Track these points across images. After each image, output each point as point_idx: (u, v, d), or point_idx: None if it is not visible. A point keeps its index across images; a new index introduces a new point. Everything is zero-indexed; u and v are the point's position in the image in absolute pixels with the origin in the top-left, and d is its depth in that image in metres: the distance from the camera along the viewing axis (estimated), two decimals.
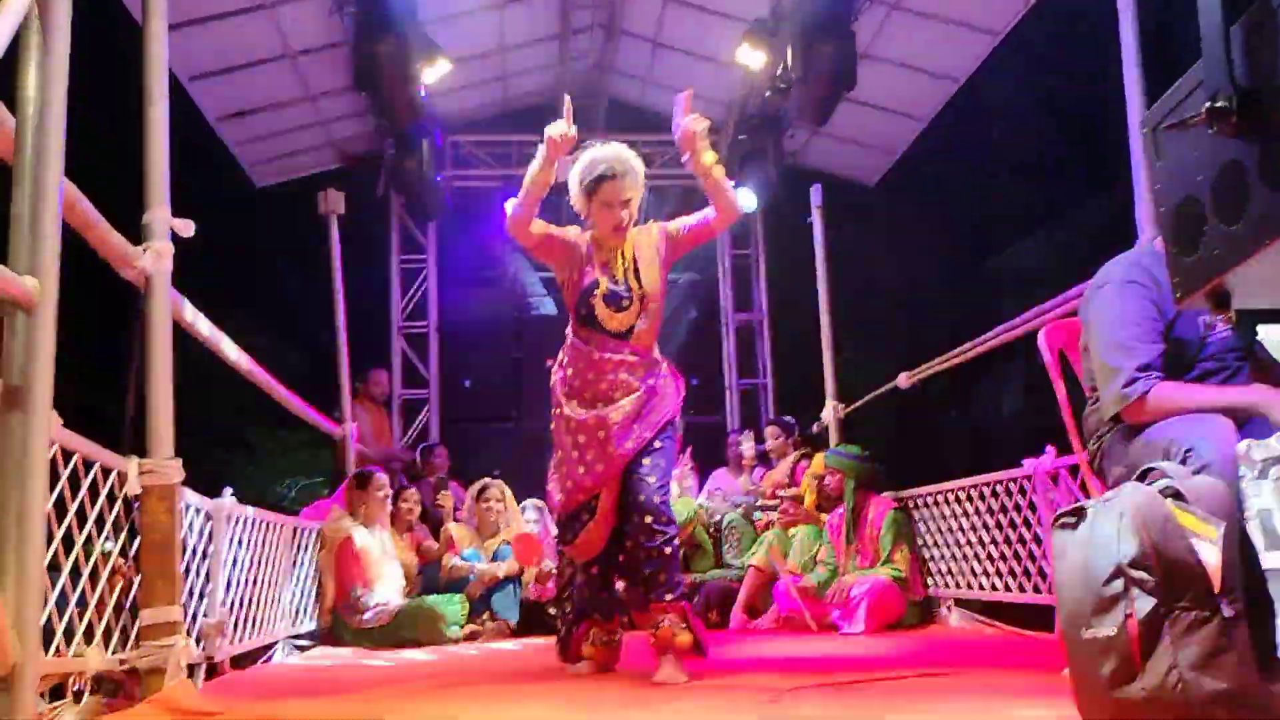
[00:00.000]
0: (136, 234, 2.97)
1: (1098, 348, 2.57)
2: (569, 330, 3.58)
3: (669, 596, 3.36)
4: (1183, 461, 2.27)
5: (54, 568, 2.52)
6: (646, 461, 3.42)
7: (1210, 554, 1.86)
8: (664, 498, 3.41)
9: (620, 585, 3.62)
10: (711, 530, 6.52)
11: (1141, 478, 2.11)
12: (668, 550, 3.40)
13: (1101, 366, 2.54)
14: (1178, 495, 1.95)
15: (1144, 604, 1.86)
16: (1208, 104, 1.31)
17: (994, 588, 4.91)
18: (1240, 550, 1.89)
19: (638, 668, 3.49)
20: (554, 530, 6.36)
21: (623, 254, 3.53)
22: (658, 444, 3.45)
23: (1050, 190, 6.32)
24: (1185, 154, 1.42)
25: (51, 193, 1.37)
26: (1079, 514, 2.07)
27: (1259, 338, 2.58)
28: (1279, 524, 2.07)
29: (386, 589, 5.54)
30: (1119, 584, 1.90)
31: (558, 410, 3.54)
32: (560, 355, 3.60)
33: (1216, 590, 1.83)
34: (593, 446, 3.42)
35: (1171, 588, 1.84)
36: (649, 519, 3.36)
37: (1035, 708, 2.36)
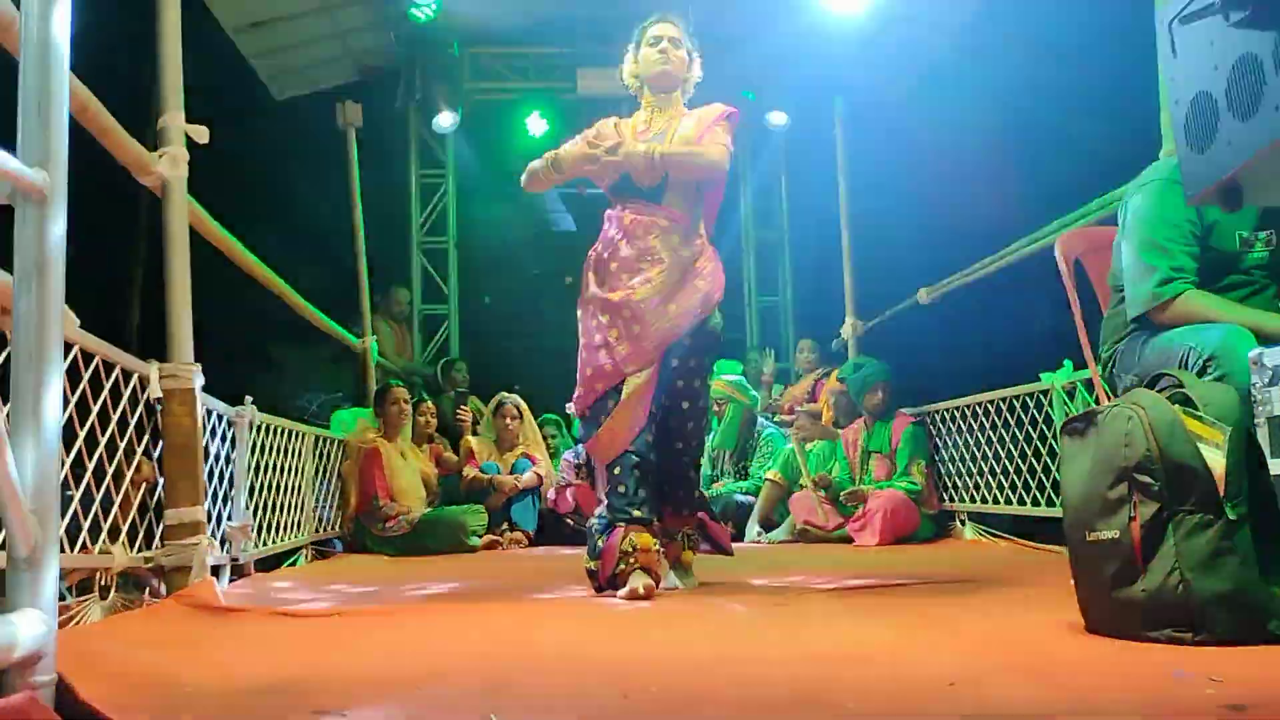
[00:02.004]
0: (152, 146, 2.98)
1: (1133, 244, 2.53)
2: (605, 212, 3.42)
3: (685, 511, 3.41)
4: (1201, 370, 2.27)
5: (79, 468, 2.59)
6: (689, 361, 3.24)
7: (1216, 458, 1.87)
8: (702, 413, 3.35)
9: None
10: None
11: (1152, 384, 2.11)
12: (692, 474, 3.42)
13: (1135, 263, 2.50)
14: (1186, 400, 1.96)
15: (1148, 507, 1.88)
16: None
17: (1008, 502, 4.94)
18: (1247, 455, 1.90)
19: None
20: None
21: (666, 116, 3.35)
22: (694, 341, 3.22)
23: (1079, 104, 6.18)
24: (1200, 48, 1.40)
25: (59, 83, 1.37)
26: (1088, 420, 2.08)
27: None
28: None
29: (408, 499, 5.64)
30: (1123, 487, 1.92)
31: (583, 294, 3.32)
32: (597, 241, 3.39)
33: (1221, 494, 1.85)
34: (616, 326, 3.18)
35: (1176, 491, 1.86)
36: (693, 442, 3.36)
37: (1037, 611, 2.39)
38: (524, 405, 6.44)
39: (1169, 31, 1.46)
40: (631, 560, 3.02)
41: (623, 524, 3.09)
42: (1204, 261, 2.46)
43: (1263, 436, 2.11)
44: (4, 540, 1.39)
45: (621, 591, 2.98)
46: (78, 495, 2.57)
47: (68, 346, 2.36)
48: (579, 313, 3.34)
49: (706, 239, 3.36)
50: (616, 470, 3.16)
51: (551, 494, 6.12)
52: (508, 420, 6.33)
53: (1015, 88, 6.79)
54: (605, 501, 3.17)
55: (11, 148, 1.34)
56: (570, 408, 4.33)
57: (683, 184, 3.27)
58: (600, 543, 3.12)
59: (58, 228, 1.36)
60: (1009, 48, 6.74)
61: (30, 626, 1.28)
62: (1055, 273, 2.94)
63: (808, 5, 7.30)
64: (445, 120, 8.20)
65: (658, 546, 3.14)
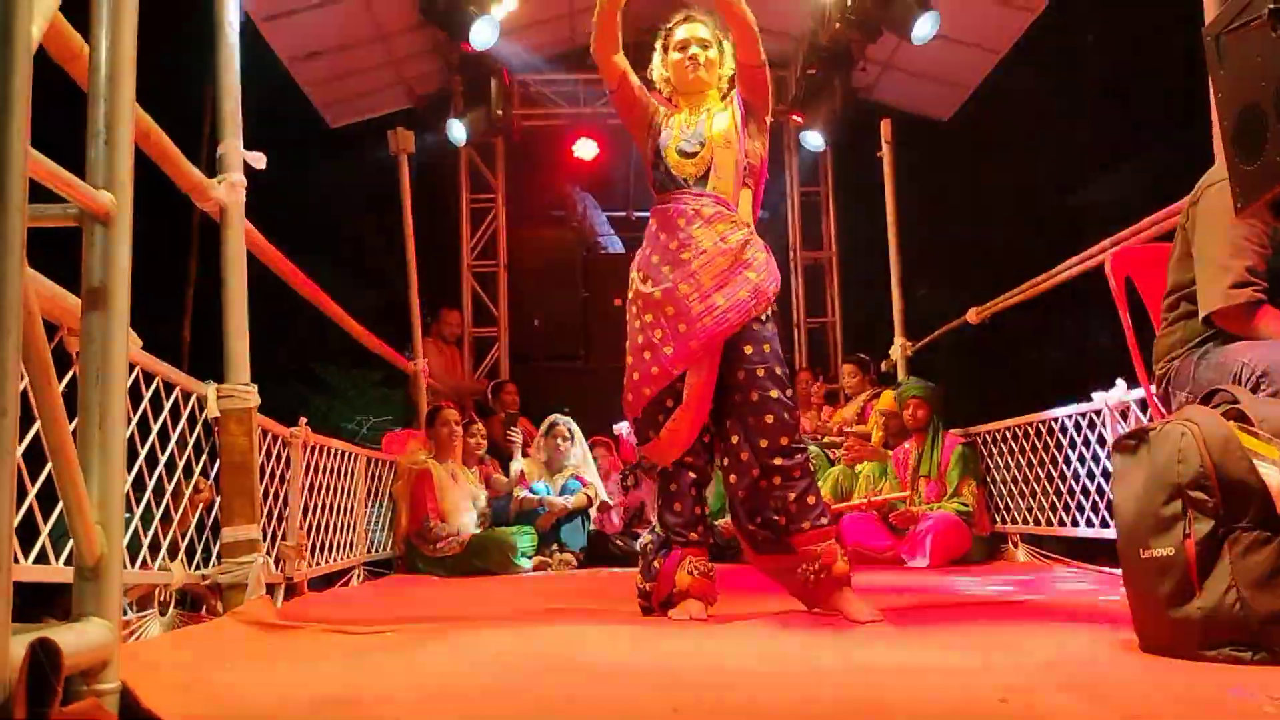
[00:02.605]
0: (208, 171, 3.05)
1: (1206, 242, 2.47)
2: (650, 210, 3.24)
3: (824, 521, 2.91)
4: (1254, 386, 2.24)
5: (139, 487, 2.65)
6: (749, 349, 2.94)
7: (1273, 475, 1.84)
8: (787, 408, 2.92)
9: (725, 523, 3.17)
10: None
11: (1206, 401, 2.09)
12: (809, 469, 2.94)
13: (1210, 261, 2.44)
14: (1241, 417, 1.93)
15: (1203, 524, 1.86)
16: (1271, 6, 1.28)
17: (1061, 523, 4.87)
18: None
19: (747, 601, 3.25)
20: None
21: (701, 110, 3.20)
22: (755, 328, 2.96)
23: (1129, 124, 6.14)
24: (1248, 60, 1.39)
25: (126, 110, 1.42)
26: (1140, 436, 2.06)
27: None
28: None
29: (459, 519, 5.68)
30: (1178, 504, 1.90)
31: (629, 294, 3.14)
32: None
33: (1278, 511, 1.82)
34: (660, 326, 2.97)
35: (1231, 508, 1.83)
36: (781, 439, 2.88)
37: (1092, 631, 2.36)
38: (575, 427, 6.48)
39: (1216, 44, 1.46)
40: (688, 586, 2.93)
41: (679, 546, 2.99)
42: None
43: None
44: (71, 552, 1.43)
45: (674, 612, 2.91)
46: (138, 512, 2.63)
47: (130, 367, 2.43)
48: (626, 316, 3.16)
49: (750, 224, 3.12)
50: (672, 487, 3.03)
51: (598, 514, 6.14)
52: (559, 441, 6.37)
53: (1064, 107, 6.75)
54: (659, 519, 3.08)
55: (77, 171, 1.39)
56: (618, 428, 4.34)
57: (728, 168, 3.09)
58: (657, 564, 3.01)
59: (124, 250, 1.40)
60: (1058, 66, 6.70)
61: (95, 635, 1.32)
62: (1107, 291, 2.92)
63: (851, 25, 7.30)
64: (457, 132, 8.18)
65: (713, 573, 3.01)
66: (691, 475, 3.03)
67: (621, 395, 3.12)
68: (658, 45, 3.28)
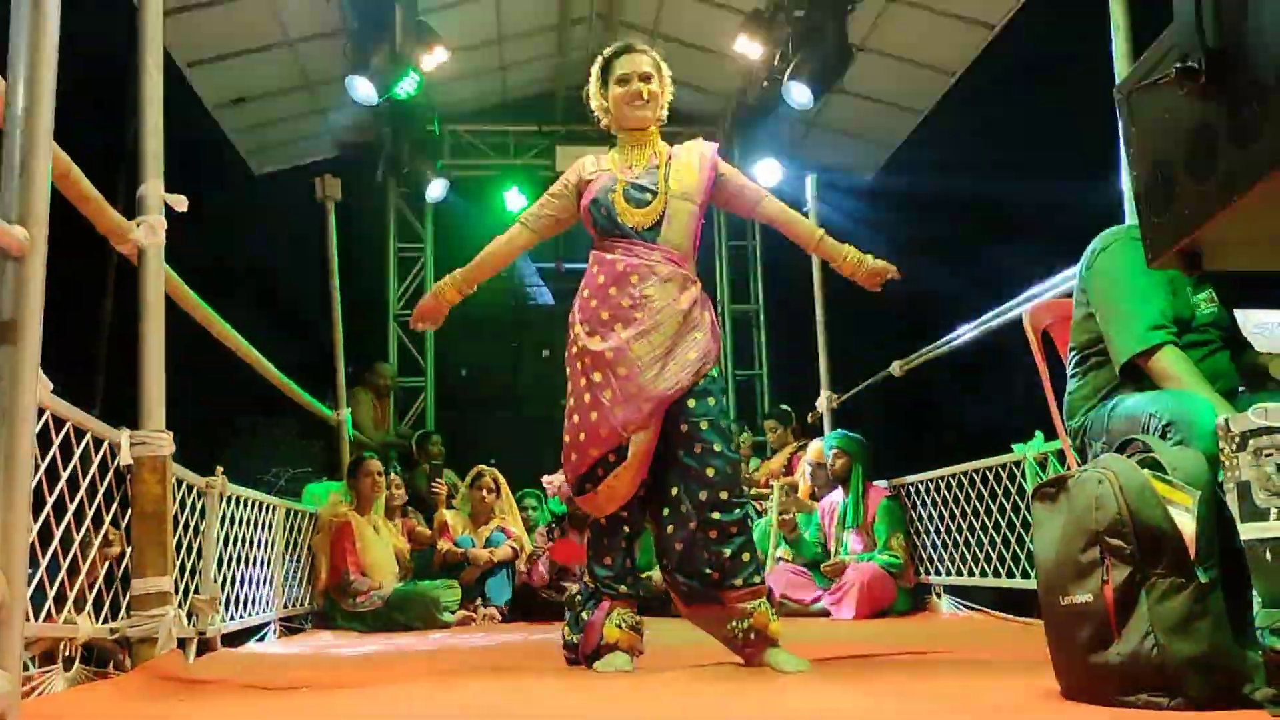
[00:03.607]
0: (129, 214, 2.99)
1: (1112, 296, 2.53)
2: (590, 252, 3.13)
3: (757, 579, 2.90)
4: (1162, 435, 2.30)
5: (45, 535, 2.55)
6: (691, 403, 2.90)
7: (1186, 521, 1.88)
8: (729, 462, 2.89)
9: (656, 575, 3.10)
10: None
11: (1121, 450, 2.14)
12: (746, 526, 2.92)
13: (1117, 313, 2.50)
14: (1155, 465, 1.98)
15: (1120, 571, 1.88)
16: (1177, 65, 1.33)
17: (984, 574, 4.93)
18: (1216, 518, 1.91)
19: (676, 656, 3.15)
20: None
21: (650, 149, 3.13)
22: (703, 382, 2.92)
23: (1048, 181, 6.33)
24: (1157, 117, 1.44)
25: (42, 144, 1.39)
26: (1059, 485, 2.10)
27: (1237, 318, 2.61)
28: (1256, 495, 2.10)
29: (380, 574, 5.56)
30: (1095, 551, 1.93)
31: (571, 348, 3.03)
32: (581, 284, 3.11)
33: (1192, 557, 1.86)
34: (610, 385, 2.88)
35: (1148, 554, 1.87)
36: (720, 493, 2.85)
37: (1013, 679, 2.38)
38: (501, 478, 6.41)
39: (1127, 101, 1.51)
40: (616, 639, 2.88)
41: (609, 598, 2.95)
42: None
43: (1232, 502, 2.13)
44: None
45: (599, 664, 2.87)
46: (44, 563, 2.53)
47: (40, 411, 2.35)
48: (567, 369, 3.06)
49: (698, 282, 3.07)
50: (605, 540, 2.98)
51: (524, 566, 6.05)
52: (484, 493, 6.29)
53: (983, 163, 6.95)
54: (589, 571, 3.02)
55: None
56: (547, 480, 4.27)
57: (681, 220, 3.03)
58: (585, 615, 2.97)
59: (36, 286, 1.36)
60: (975, 125, 6.92)
61: None
62: (1025, 344, 2.98)
63: (780, 83, 7.46)
64: (436, 189, 8.32)
65: (642, 626, 2.98)
66: (625, 528, 2.98)
67: (562, 451, 3.02)
68: (594, 73, 3.20)
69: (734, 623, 2.86)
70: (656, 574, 5.88)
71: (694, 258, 3.09)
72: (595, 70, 3.19)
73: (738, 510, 2.90)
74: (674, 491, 2.91)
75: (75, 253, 3.08)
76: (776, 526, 5.82)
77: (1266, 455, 2.09)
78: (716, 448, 2.89)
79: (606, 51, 3.17)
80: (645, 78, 3.09)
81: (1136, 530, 1.87)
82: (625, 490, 2.90)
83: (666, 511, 2.94)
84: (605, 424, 2.87)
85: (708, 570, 2.87)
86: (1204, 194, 1.34)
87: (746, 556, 2.88)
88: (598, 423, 2.88)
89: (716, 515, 2.86)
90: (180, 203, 3.02)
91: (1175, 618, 1.83)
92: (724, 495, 2.87)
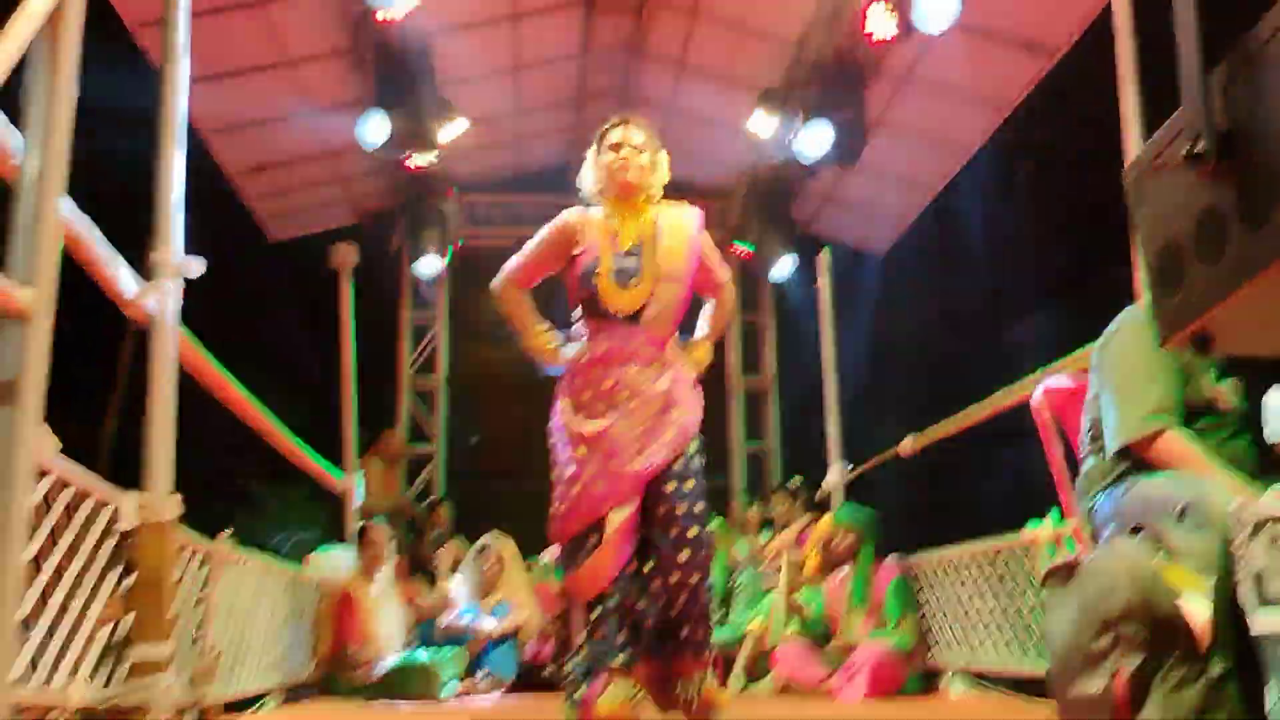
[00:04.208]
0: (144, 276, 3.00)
1: (1119, 377, 2.52)
2: (578, 332, 3.23)
3: (707, 653, 3.08)
4: (1179, 518, 2.26)
5: (39, 598, 2.52)
6: (671, 486, 3.01)
7: (1199, 610, 1.84)
8: (702, 544, 3.02)
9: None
10: None
11: (1132, 534, 2.10)
12: (709, 611, 3.08)
13: (1120, 394, 2.49)
14: (1168, 551, 1.94)
15: (1132, 660, 1.84)
16: (1186, 148, 1.33)
17: (996, 657, 4.83)
18: (1230, 608, 1.87)
19: None
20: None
21: (637, 223, 3.18)
22: (679, 465, 3.03)
23: (1062, 262, 6.36)
24: (1167, 199, 1.44)
25: (52, 207, 1.40)
26: (1070, 570, 2.06)
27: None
28: (1270, 584, 2.05)
29: (381, 643, 5.49)
30: (1107, 639, 1.89)
31: (557, 421, 3.14)
32: (557, 359, 3.22)
33: (1205, 647, 1.81)
34: (593, 462, 3.00)
35: (1160, 644, 1.83)
36: (691, 577, 2.99)
37: None
38: (508, 550, 6.33)
39: (1137, 184, 1.51)
40: (611, 714, 2.86)
41: (605, 672, 2.92)
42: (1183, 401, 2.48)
43: (1244, 592, 2.08)
44: None
45: None
46: (37, 626, 2.49)
47: (43, 473, 2.33)
48: (551, 440, 3.16)
49: (677, 359, 3.19)
50: (597, 613, 2.98)
51: (531, 646, 5.95)
52: (488, 564, 6.22)
53: (997, 241, 6.98)
54: (584, 646, 3.00)
55: None
56: (544, 556, 4.26)
57: (666, 303, 3.12)
58: (582, 691, 2.95)
59: (39, 348, 1.36)
60: (989, 204, 6.95)
61: None
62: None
63: (790, 160, 7.53)
64: (427, 267, 8.37)
65: (640, 695, 2.98)
66: (616, 600, 2.99)
67: (551, 520, 3.10)
68: (591, 150, 3.28)
69: (681, 687, 3.03)
70: None
71: (677, 333, 3.22)
72: (592, 146, 3.27)
73: (705, 594, 3.05)
74: (647, 569, 3.04)
75: (89, 311, 3.09)
76: (785, 603, 5.74)
77: None
78: (691, 533, 3.01)
79: (602, 125, 3.26)
80: (637, 149, 3.18)
81: (1148, 618, 1.84)
82: (606, 571, 2.97)
83: (636, 588, 3.04)
84: (586, 499, 2.98)
85: (664, 643, 3.03)
86: (1214, 277, 1.33)
87: (701, 635, 3.05)
88: (579, 497, 3.00)
89: (684, 598, 3.01)
90: (196, 267, 3.04)
91: (1190, 708, 1.78)
92: (695, 579, 3.01)
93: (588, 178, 3.29)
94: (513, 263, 3.33)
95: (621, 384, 3.05)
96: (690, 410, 3.10)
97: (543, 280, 3.37)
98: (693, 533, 3.01)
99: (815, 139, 6.89)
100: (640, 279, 3.11)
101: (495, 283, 3.34)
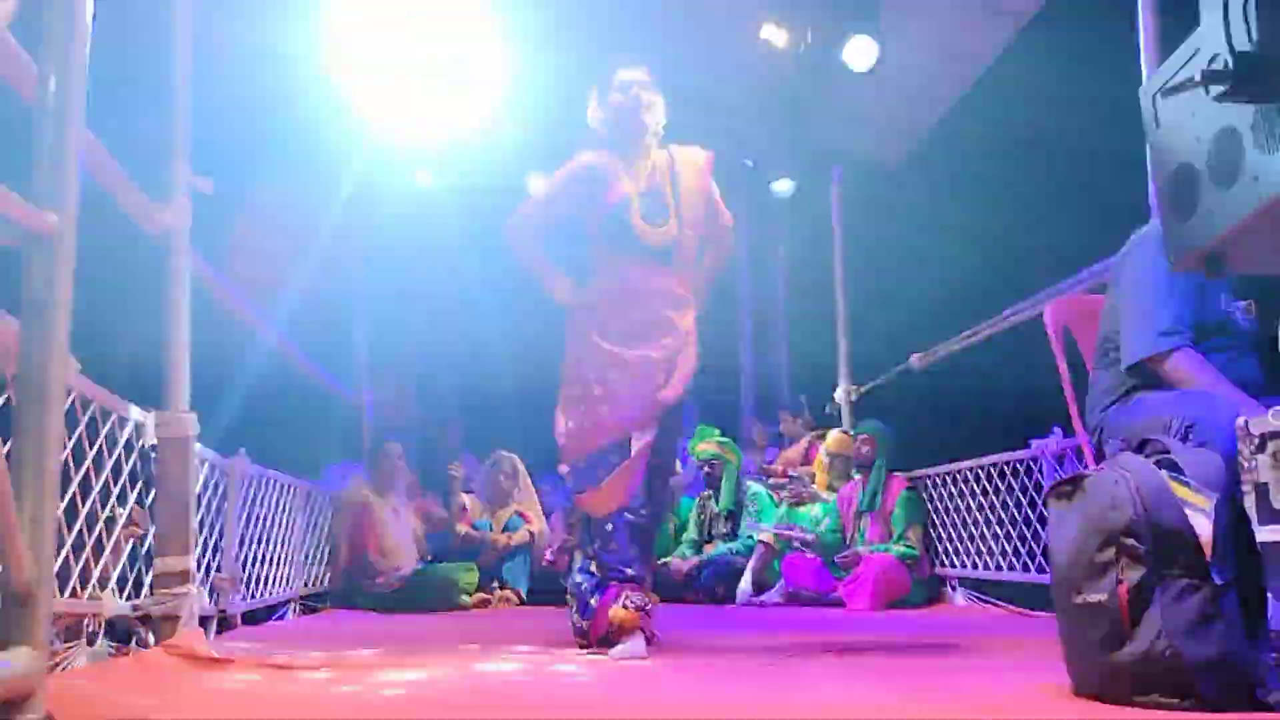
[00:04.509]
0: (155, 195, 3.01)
1: (1135, 294, 2.56)
2: (593, 265, 3.28)
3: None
4: (1184, 437, 2.30)
5: (70, 513, 2.59)
6: (668, 422, 3.19)
7: (1203, 523, 1.88)
8: (670, 473, 3.44)
9: (675, 561, 3.50)
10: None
11: (1138, 450, 2.14)
12: (651, 531, 3.27)
13: (1137, 313, 2.53)
14: (1173, 466, 1.98)
15: (1135, 571, 1.89)
16: (1203, 68, 1.33)
17: (999, 567, 4.93)
18: (1233, 521, 1.91)
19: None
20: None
21: (649, 161, 3.27)
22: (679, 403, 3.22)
23: (1075, 174, 6.28)
24: (1182, 120, 1.44)
25: (73, 131, 1.41)
26: (1075, 484, 2.10)
27: None
28: (1274, 497, 2.10)
29: (399, 556, 5.61)
30: (1111, 551, 1.93)
31: (585, 340, 3.18)
32: (581, 297, 3.26)
33: (1208, 559, 1.86)
34: (627, 385, 3.10)
35: (1163, 556, 1.87)
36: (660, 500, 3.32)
37: (1024, 674, 2.39)
38: (520, 465, 6.43)
39: (1153, 105, 1.51)
40: (624, 621, 2.96)
41: (616, 582, 3.04)
42: (1196, 320, 2.51)
43: (1249, 503, 2.13)
44: None
45: (615, 650, 2.92)
46: (69, 540, 2.57)
47: (66, 391, 2.38)
48: (571, 360, 3.24)
49: (694, 304, 3.31)
50: (610, 528, 3.09)
51: (550, 554, 6.07)
52: (502, 478, 6.32)
53: (1008, 156, 6.90)
54: (595, 558, 3.12)
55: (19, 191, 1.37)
56: (563, 469, 4.31)
57: (689, 249, 3.25)
58: (593, 601, 3.07)
59: (65, 269, 1.39)
60: (1001, 118, 6.86)
61: (22, 663, 1.29)
62: (1046, 339, 2.98)
63: (804, 71, 7.44)
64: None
65: (650, 605, 3.07)
66: (630, 516, 3.10)
67: (564, 438, 3.20)
68: (592, 94, 3.34)
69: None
70: (675, 560, 5.95)
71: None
72: (593, 91, 3.33)
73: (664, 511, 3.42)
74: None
75: (100, 232, 3.11)
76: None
77: None
78: (666, 466, 3.35)
79: (612, 70, 3.29)
80: (644, 85, 3.25)
81: (1152, 531, 1.88)
82: (624, 491, 3.08)
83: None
84: (614, 419, 3.09)
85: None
86: (1228, 199, 1.34)
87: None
88: (607, 416, 3.10)
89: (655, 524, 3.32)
90: (207, 185, 3.05)
91: (1189, 619, 1.83)
92: (660, 508, 3.41)
93: (597, 118, 3.34)
94: (528, 205, 3.36)
95: (659, 320, 3.16)
96: (696, 354, 3.23)
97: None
98: (668, 466, 3.39)
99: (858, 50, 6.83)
100: (668, 218, 3.21)
101: (510, 225, 3.34)
